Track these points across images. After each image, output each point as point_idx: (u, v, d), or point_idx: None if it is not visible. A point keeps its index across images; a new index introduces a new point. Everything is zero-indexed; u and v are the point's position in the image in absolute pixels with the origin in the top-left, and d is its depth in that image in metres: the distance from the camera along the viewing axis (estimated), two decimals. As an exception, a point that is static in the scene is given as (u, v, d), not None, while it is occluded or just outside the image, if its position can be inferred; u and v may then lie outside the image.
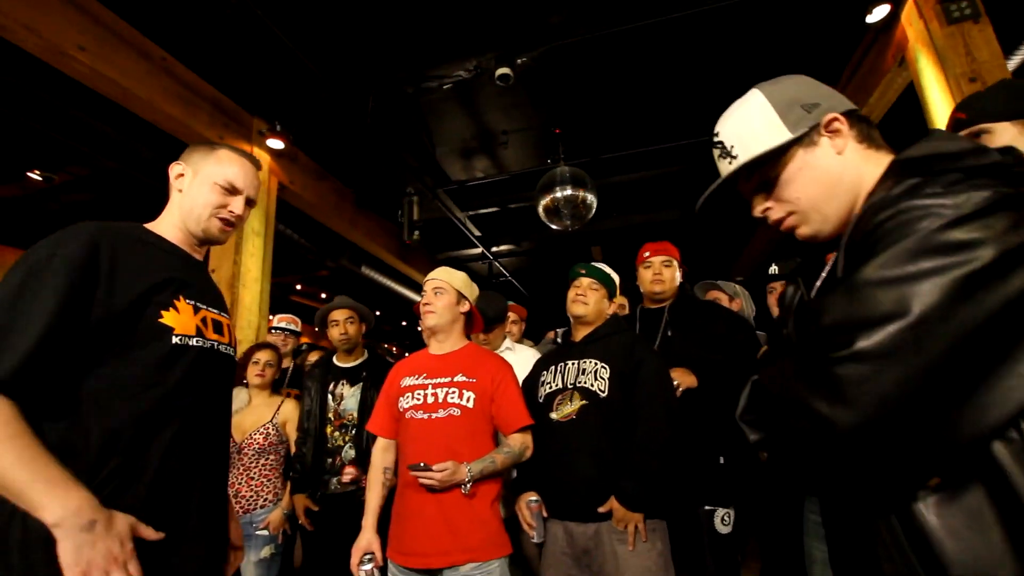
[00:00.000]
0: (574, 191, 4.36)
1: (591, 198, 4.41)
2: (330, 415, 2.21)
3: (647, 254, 2.26)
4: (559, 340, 2.69)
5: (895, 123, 3.17)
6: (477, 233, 6.17)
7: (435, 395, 1.67)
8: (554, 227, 4.59)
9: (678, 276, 2.24)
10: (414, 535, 1.56)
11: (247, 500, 2.14)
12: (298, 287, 8.04)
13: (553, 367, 1.85)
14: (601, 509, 1.57)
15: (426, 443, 1.61)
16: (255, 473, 2.20)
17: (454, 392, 1.66)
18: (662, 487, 1.59)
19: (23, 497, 0.78)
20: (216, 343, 1.12)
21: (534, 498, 1.70)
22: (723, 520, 1.89)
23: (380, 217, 5.45)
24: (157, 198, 1.22)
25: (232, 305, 3.45)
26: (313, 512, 2.12)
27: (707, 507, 1.89)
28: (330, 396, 2.24)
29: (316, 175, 4.47)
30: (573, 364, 1.80)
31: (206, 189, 1.16)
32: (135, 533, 0.86)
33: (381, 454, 1.75)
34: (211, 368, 1.09)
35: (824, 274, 0.83)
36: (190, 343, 1.04)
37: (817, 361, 0.60)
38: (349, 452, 2.14)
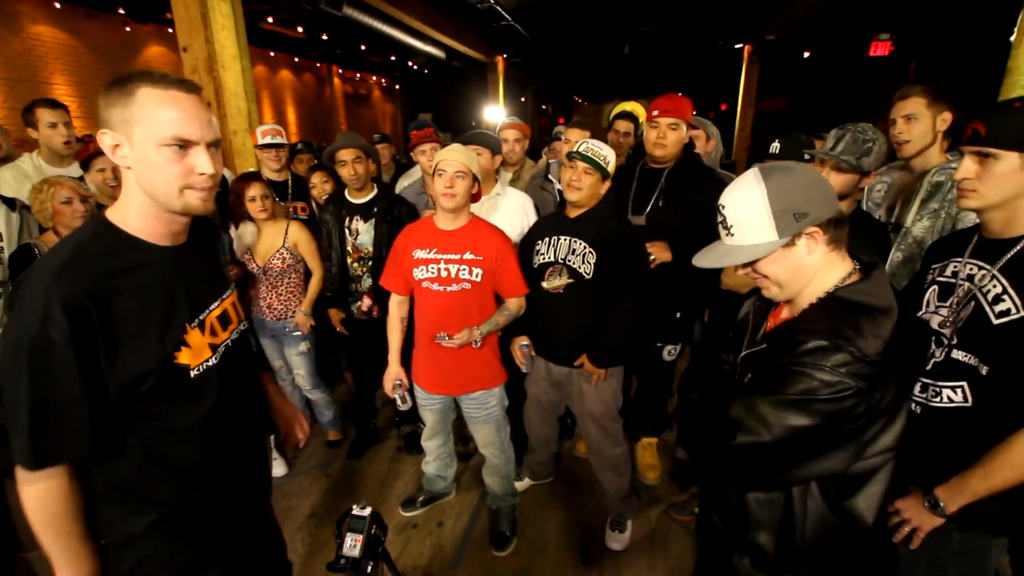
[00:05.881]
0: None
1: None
2: (348, 248, 2.49)
3: (655, 113, 2.19)
4: (550, 177, 2.74)
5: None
6: (475, -34, 5.20)
7: (447, 270, 1.94)
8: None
9: (684, 138, 2.23)
10: (436, 372, 2.08)
11: (279, 311, 2.59)
12: (270, 19, 6.94)
13: (547, 239, 2.07)
14: (575, 363, 2.06)
15: (443, 312, 1.97)
16: (282, 289, 2.59)
17: (464, 269, 1.93)
18: (626, 351, 2.05)
19: (53, 562, 0.94)
20: (228, 338, 1.13)
21: (525, 342, 2.17)
22: (669, 352, 2.44)
23: (358, -52, 4.49)
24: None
25: (215, 92, 3.24)
26: (345, 324, 2.64)
27: (658, 344, 2.42)
28: (347, 231, 2.48)
29: None
30: (565, 240, 2.02)
31: (154, 157, 0.89)
32: None
33: (397, 307, 2.11)
34: (233, 356, 1.14)
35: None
36: (208, 363, 1.05)
37: (716, 434, 0.99)
38: (367, 280, 2.51)
